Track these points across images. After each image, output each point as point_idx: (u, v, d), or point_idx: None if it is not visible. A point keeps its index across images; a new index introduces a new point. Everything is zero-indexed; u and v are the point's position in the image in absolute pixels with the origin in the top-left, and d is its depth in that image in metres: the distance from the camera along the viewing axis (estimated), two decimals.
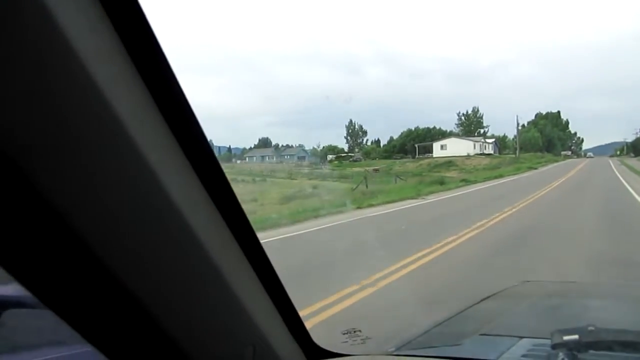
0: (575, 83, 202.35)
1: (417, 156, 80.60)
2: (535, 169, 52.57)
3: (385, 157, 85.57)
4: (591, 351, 1.18)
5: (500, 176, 38.07)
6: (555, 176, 33.86)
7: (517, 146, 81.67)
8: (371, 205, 17.75)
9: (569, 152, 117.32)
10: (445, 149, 78.43)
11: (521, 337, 1.48)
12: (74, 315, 0.61)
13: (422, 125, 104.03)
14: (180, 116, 0.63)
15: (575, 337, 1.15)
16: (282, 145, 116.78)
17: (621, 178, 30.36)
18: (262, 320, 0.85)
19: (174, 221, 0.62)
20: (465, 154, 72.82)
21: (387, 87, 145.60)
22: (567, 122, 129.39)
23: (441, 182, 29.28)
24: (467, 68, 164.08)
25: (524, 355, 1.36)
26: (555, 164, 66.50)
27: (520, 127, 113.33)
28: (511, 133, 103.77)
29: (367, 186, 28.27)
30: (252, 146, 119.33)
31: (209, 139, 0.70)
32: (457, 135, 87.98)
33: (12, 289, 0.98)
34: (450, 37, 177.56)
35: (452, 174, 55.65)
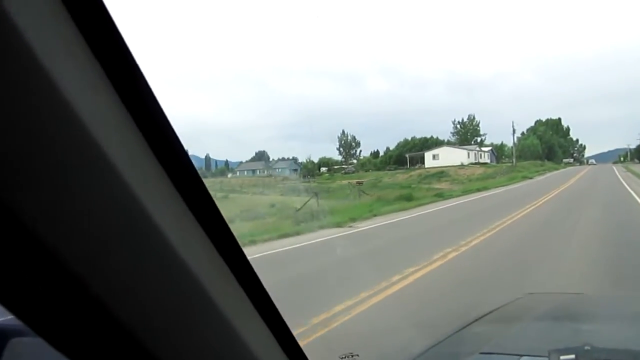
0: (577, 90, 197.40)
1: (408, 167, 74.98)
2: (531, 178, 46.98)
3: (381, 169, 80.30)
4: None
5: (485, 189, 32.37)
6: (550, 187, 28.58)
7: (514, 154, 75.81)
8: (297, 234, 13.87)
9: (571, 160, 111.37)
10: (438, 159, 72.98)
11: (520, 356, 1.47)
12: (62, 341, 0.59)
13: (420, 135, 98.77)
14: (157, 129, 0.60)
15: (572, 356, 1.17)
16: (274, 159, 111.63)
17: (629, 188, 24.84)
18: (256, 344, 0.80)
19: (159, 243, 0.60)
20: (459, 164, 67.85)
21: (388, 98, 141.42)
22: (568, 129, 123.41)
23: (408, 198, 24.24)
24: (468, 78, 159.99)
25: None
26: (555, 172, 61.05)
27: (520, 135, 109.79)
28: (510, 141, 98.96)
29: (318, 204, 23.80)
30: (247, 160, 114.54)
31: (192, 153, 0.40)
32: (450, 144, 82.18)
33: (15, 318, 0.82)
34: (451, 48, 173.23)
35: (442, 185, 51.14)
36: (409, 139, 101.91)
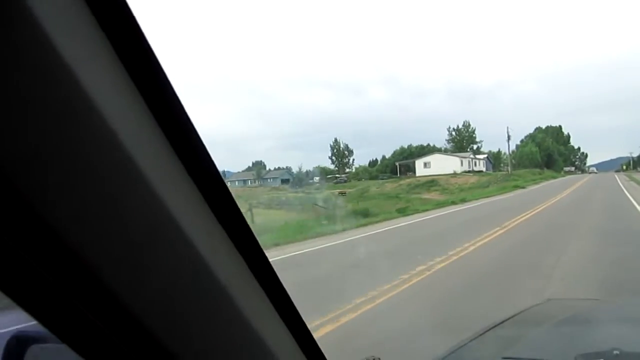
0: (580, 98, 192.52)
1: (399, 175, 70.25)
2: (523, 188, 41.95)
3: (374, 178, 75.67)
4: None
5: (462, 201, 27.47)
6: (540, 200, 23.89)
7: (509, 162, 70.96)
8: None
9: (573, 168, 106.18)
10: (429, 167, 68.25)
11: None
12: (88, 349, 0.60)
13: (417, 143, 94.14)
14: (182, 134, 0.61)
15: None
16: (270, 169, 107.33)
17: (635, 202, 19.79)
18: (277, 347, 0.80)
19: (181, 243, 0.60)
20: (452, 172, 63.18)
21: (388, 106, 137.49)
22: (568, 137, 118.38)
23: (365, 214, 19.60)
24: (468, 86, 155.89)
25: None
26: (552, 181, 56.09)
27: (519, 142, 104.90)
28: (506, 147, 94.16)
29: (252, 220, 19.91)
30: (243, 170, 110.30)
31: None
32: (442, 151, 77.33)
33: (35, 324, 0.88)
34: (452, 57, 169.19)
35: (431, 194, 46.89)
36: (406, 147, 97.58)
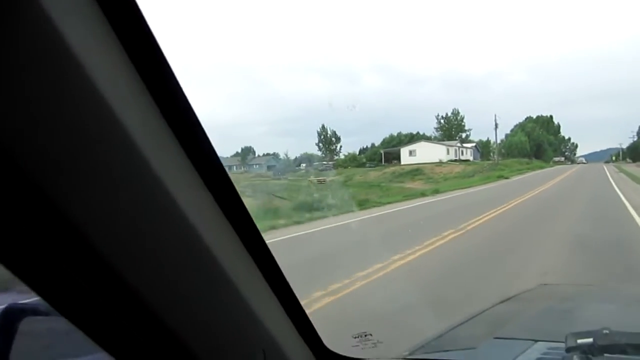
0: (571, 89, 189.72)
1: (384, 163, 67.62)
2: (507, 178, 39.47)
3: (362, 165, 73.00)
4: (606, 354, 1.12)
5: (435, 193, 24.91)
6: (518, 193, 21.23)
7: (496, 151, 68.44)
8: None
9: (562, 158, 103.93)
10: (415, 155, 65.59)
11: (536, 341, 1.42)
12: (88, 322, 0.61)
13: (407, 131, 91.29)
14: (186, 126, 0.63)
15: (590, 340, 1.12)
16: (259, 155, 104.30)
17: (624, 199, 16.94)
18: (272, 324, 0.84)
19: (184, 227, 0.62)
20: (438, 161, 60.59)
21: (382, 94, 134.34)
22: (558, 127, 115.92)
23: (318, 208, 16.92)
24: (461, 75, 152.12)
25: (538, 359, 1.31)
26: (538, 172, 53.69)
27: (509, 132, 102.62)
28: (498, 138, 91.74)
29: None
30: (231, 155, 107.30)
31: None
32: (428, 139, 74.68)
33: (29, 296, 1.00)
34: (445, 46, 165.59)
35: (415, 184, 44.33)
36: (395, 134, 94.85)
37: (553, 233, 10.20)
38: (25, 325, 1.13)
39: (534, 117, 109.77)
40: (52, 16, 0.45)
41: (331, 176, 50.18)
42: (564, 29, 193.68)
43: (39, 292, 0.56)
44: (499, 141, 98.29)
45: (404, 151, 68.56)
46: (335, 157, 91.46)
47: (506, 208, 15.61)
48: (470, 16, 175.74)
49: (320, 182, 40.33)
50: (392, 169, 59.15)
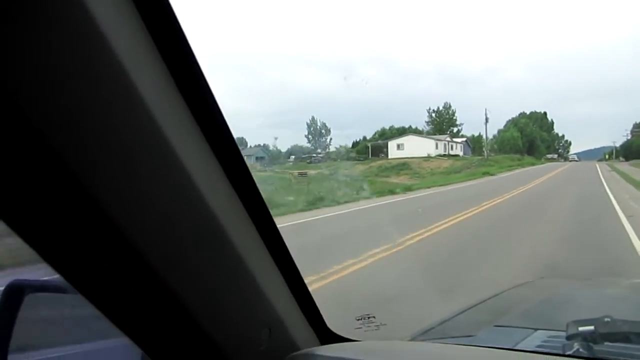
0: (566, 87, 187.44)
1: (370, 157, 65.33)
2: (492, 175, 37.11)
3: (351, 159, 70.63)
4: (607, 342, 1.12)
5: (407, 190, 22.47)
6: (503, 190, 19.23)
7: (486, 147, 66.20)
8: None
9: (555, 155, 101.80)
10: (403, 149, 63.23)
11: (536, 329, 1.41)
12: (102, 298, 0.63)
13: (399, 125, 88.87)
14: (209, 117, 0.65)
15: (591, 328, 1.11)
16: (251, 146, 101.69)
17: (617, 205, 13.78)
18: (279, 304, 0.86)
19: (200, 207, 0.64)
20: (426, 155, 58.43)
21: (378, 88, 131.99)
22: (552, 123, 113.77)
23: (276, 205, 14.72)
24: (457, 71, 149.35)
25: (538, 346, 1.29)
26: (528, 169, 51.50)
27: (503, 127, 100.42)
28: (490, 133, 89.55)
29: None
30: None
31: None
32: (417, 132, 72.34)
33: (35, 273, 1.03)
34: (442, 41, 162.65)
35: (400, 178, 42.24)
36: (387, 128, 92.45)
37: (522, 255, 7.62)
38: (30, 301, 1.11)
39: (528, 112, 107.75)
40: (93, 19, 0.46)
41: (317, 169, 48.23)
42: (560, 26, 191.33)
43: (54, 266, 0.56)
44: (491, 137, 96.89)
45: (392, 145, 66.21)
46: (326, 150, 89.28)
47: (476, 211, 13.34)
48: (467, 11, 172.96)
49: (301, 175, 38.18)
50: (379, 162, 57.17)
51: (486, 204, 15.06)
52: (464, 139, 77.36)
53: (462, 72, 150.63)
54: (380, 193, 20.58)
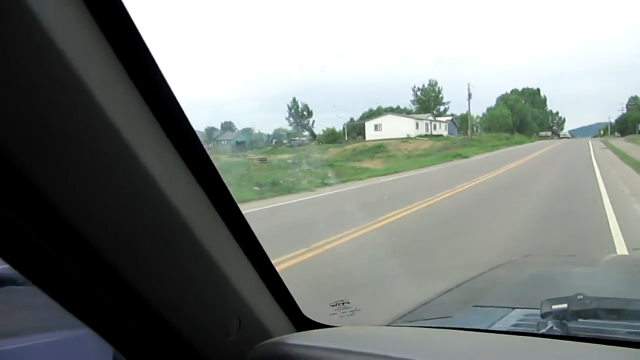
0: (560, 63, 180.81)
1: (346, 139, 59.92)
2: (466, 157, 31.77)
3: (333, 141, 65.32)
4: (580, 319, 1.13)
5: (355, 178, 17.12)
6: (470, 176, 14.95)
7: (469, 125, 60.61)
8: None
9: (549, 133, 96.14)
10: (380, 130, 57.83)
11: (513, 308, 1.42)
12: (62, 293, 0.62)
13: (387, 105, 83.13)
14: (164, 107, 0.64)
15: (564, 305, 1.12)
16: (238, 130, 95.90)
17: (616, 221, 6.96)
18: (248, 293, 0.84)
19: (158, 195, 0.62)
20: (405, 136, 53.20)
21: (372, 69, 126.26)
22: (545, 99, 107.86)
23: None
24: (451, 50, 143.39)
25: (514, 325, 1.31)
26: (514, 148, 46.14)
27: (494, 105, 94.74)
28: (480, 111, 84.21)
29: None
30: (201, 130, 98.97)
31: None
32: (396, 111, 66.66)
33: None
34: (436, 20, 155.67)
35: (373, 163, 37.06)
36: (375, 108, 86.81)
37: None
38: (2, 294, 1.11)
39: (520, 89, 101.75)
40: (37, 13, 0.45)
41: (290, 154, 43.69)
42: (555, 3, 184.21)
43: (9, 261, 0.55)
44: (481, 115, 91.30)
45: (369, 125, 60.77)
46: (310, 133, 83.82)
47: (411, 210, 8.66)
48: None
49: (261, 161, 33.37)
50: (354, 145, 51.95)
51: (451, 191, 11.21)
52: (449, 118, 71.71)
53: (455, 50, 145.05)
54: (343, 179, 17.93)
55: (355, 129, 63.99)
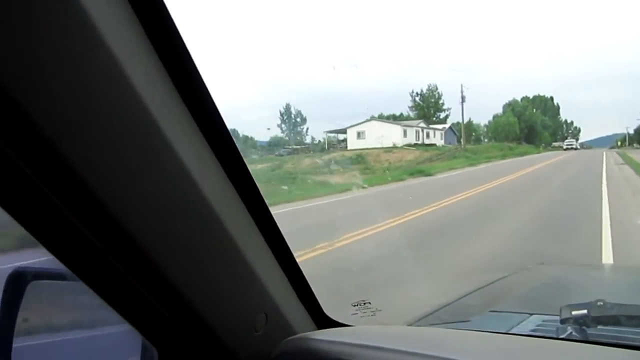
0: (575, 72, 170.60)
1: (327, 148, 52.25)
2: (429, 175, 23.76)
3: (322, 150, 57.90)
4: (600, 326, 1.11)
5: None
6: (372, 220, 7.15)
7: (462, 133, 52.31)
8: None
9: (562, 143, 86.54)
10: (364, 138, 49.88)
11: (531, 314, 1.38)
12: (101, 284, 0.63)
13: (388, 112, 75.41)
14: (204, 110, 0.64)
15: (584, 311, 1.10)
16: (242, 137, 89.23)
17: None
18: (274, 289, 0.85)
19: (193, 191, 0.63)
20: (391, 145, 45.49)
21: (386, 78, 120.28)
22: (558, 107, 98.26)
23: None
24: (465, 58, 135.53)
25: (532, 330, 1.27)
26: (509, 161, 37.77)
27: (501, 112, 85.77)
28: (486, 119, 75.73)
29: None
30: None
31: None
32: (381, 119, 58.47)
33: (38, 261, 1.01)
34: (450, 29, 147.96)
35: (345, 176, 29.82)
36: (376, 115, 79.17)
37: None
38: (33, 288, 1.11)
39: (531, 97, 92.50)
40: (85, 12, 0.45)
41: (266, 163, 37.23)
42: (571, 11, 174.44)
43: (54, 253, 0.56)
44: (486, 122, 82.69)
45: (351, 133, 52.71)
46: (303, 141, 76.54)
47: None
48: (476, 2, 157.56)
49: None
50: (332, 155, 44.59)
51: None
52: (446, 126, 63.17)
53: (468, 58, 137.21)
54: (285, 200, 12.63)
55: (337, 137, 56.17)
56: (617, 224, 7.40)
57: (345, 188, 17.67)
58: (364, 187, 18.25)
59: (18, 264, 1.11)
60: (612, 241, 6.35)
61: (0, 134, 0.46)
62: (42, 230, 0.54)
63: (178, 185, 0.60)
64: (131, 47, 0.52)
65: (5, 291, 1.08)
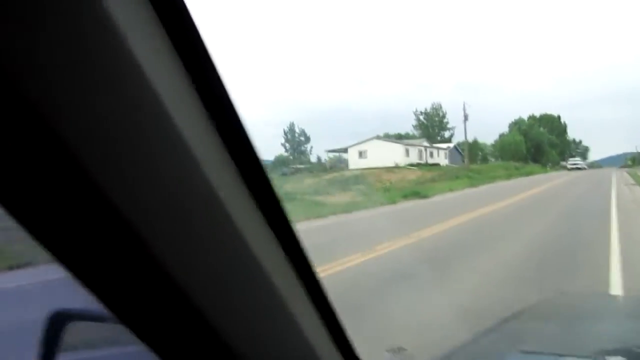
0: (584, 90, 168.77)
1: (328, 168, 51.01)
2: (425, 197, 22.47)
3: (325, 170, 56.75)
4: None
5: None
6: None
7: (466, 153, 50.79)
8: None
9: (567, 163, 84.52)
10: (365, 157, 48.74)
11: (562, 356, 1.35)
12: (141, 326, 0.60)
13: (394, 131, 74.31)
14: (226, 118, 0.61)
15: (620, 358, 1.07)
16: None
17: None
18: (310, 334, 0.81)
19: (231, 233, 0.61)
20: (394, 164, 44.33)
21: (394, 97, 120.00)
22: (565, 126, 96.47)
23: None
24: (472, 77, 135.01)
25: None
26: (513, 182, 35.84)
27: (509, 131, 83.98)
28: (492, 138, 74.16)
29: None
30: None
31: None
32: (384, 138, 57.20)
33: (77, 301, 1.03)
34: (456, 47, 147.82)
35: (343, 197, 28.80)
36: (382, 134, 78.09)
37: None
38: (71, 329, 1.13)
39: (537, 115, 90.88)
40: (109, 17, 0.44)
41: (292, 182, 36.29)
42: (580, 27, 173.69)
43: (94, 292, 0.54)
44: (492, 141, 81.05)
45: (353, 152, 51.55)
46: (307, 160, 75.34)
47: None
48: (481, 14, 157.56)
49: None
50: (332, 175, 43.18)
51: None
52: (450, 145, 61.75)
53: (475, 76, 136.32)
54: None
55: (338, 157, 54.91)
56: (629, 266, 5.94)
57: (330, 212, 16.36)
58: (347, 212, 16.86)
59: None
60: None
61: (16, 136, 0.43)
62: (79, 268, 0.51)
63: (222, 227, 0.58)
64: (154, 48, 0.51)
65: (45, 332, 1.09)
